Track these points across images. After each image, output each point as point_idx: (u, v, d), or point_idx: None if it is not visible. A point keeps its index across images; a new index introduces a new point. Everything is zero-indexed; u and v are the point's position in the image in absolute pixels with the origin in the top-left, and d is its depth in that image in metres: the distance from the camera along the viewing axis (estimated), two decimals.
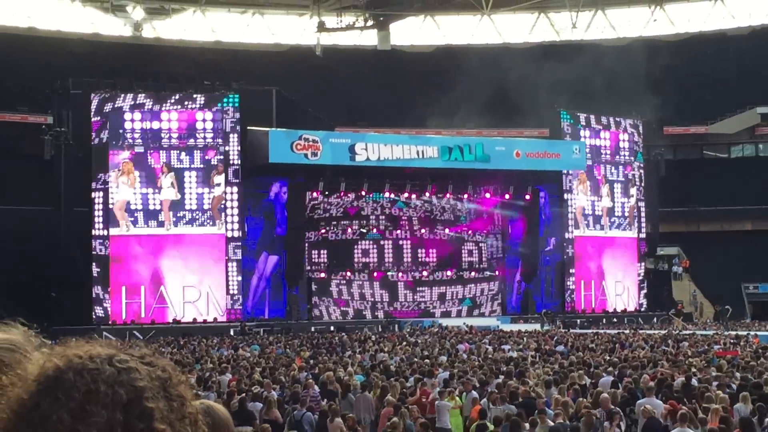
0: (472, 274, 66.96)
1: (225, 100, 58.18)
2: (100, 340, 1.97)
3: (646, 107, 66.63)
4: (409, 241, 65.73)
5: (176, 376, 1.89)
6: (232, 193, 58.12)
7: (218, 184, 57.72)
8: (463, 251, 67.15)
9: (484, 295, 66.90)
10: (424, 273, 65.37)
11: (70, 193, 55.82)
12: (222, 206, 57.68)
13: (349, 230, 64.33)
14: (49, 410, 1.73)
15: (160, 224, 57.08)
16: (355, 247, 64.70)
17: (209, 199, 57.77)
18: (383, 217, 65.41)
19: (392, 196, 63.66)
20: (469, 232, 67.32)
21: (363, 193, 62.31)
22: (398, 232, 64.91)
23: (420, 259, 65.83)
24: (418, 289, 65.12)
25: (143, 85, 58.87)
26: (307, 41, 79.84)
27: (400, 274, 64.92)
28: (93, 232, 55.99)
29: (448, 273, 66.03)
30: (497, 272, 67.66)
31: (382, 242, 65.04)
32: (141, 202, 56.86)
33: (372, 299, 63.87)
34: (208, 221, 57.74)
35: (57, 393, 1.75)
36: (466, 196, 64.41)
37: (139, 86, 58.51)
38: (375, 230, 64.71)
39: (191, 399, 1.90)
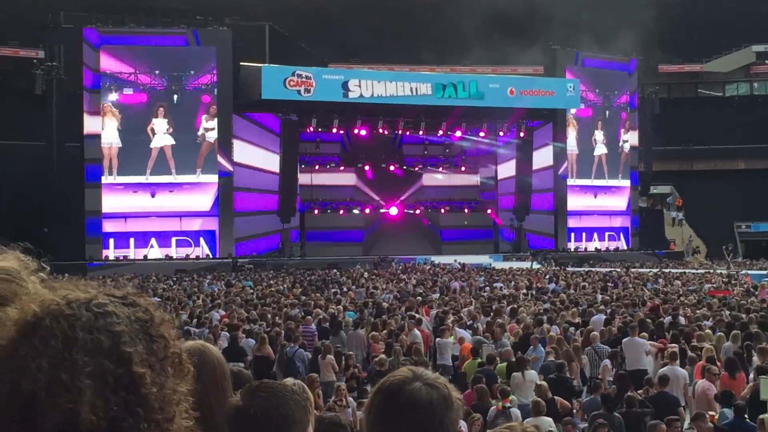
0: (465, 211, 66.92)
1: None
2: (82, 282, 1.93)
3: (641, 45, 66.18)
4: (400, 178, 65.53)
5: (159, 316, 1.87)
6: (226, 126, 57.83)
7: (211, 129, 57.40)
8: (455, 188, 67.01)
9: (476, 233, 67.02)
10: (417, 211, 65.22)
11: (62, 128, 55.38)
12: (210, 152, 57.51)
13: (342, 168, 64.10)
14: (27, 358, 1.70)
15: (154, 171, 57.03)
16: (343, 184, 64.37)
17: (199, 143, 57.59)
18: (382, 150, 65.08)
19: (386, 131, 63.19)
20: (462, 169, 67.11)
21: (355, 130, 61.89)
22: (391, 168, 64.60)
23: (412, 197, 65.66)
24: (408, 226, 65.12)
25: (135, 20, 58.28)
26: None
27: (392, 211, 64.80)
28: (86, 167, 55.97)
29: (442, 211, 65.98)
30: (489, 210, 67.63)
31: (378, 179, 64.78)
32: (129, 147, 56.64)
33: (365, 237, 63.90)
34: (199, 166, 57.66)
35: (34, 340, 1.72)
36: (459, 133, 64.15)
37: (131, 21, 57.95)
38: (367, 164, 64.34)
39: (174, 338, 1.88)
